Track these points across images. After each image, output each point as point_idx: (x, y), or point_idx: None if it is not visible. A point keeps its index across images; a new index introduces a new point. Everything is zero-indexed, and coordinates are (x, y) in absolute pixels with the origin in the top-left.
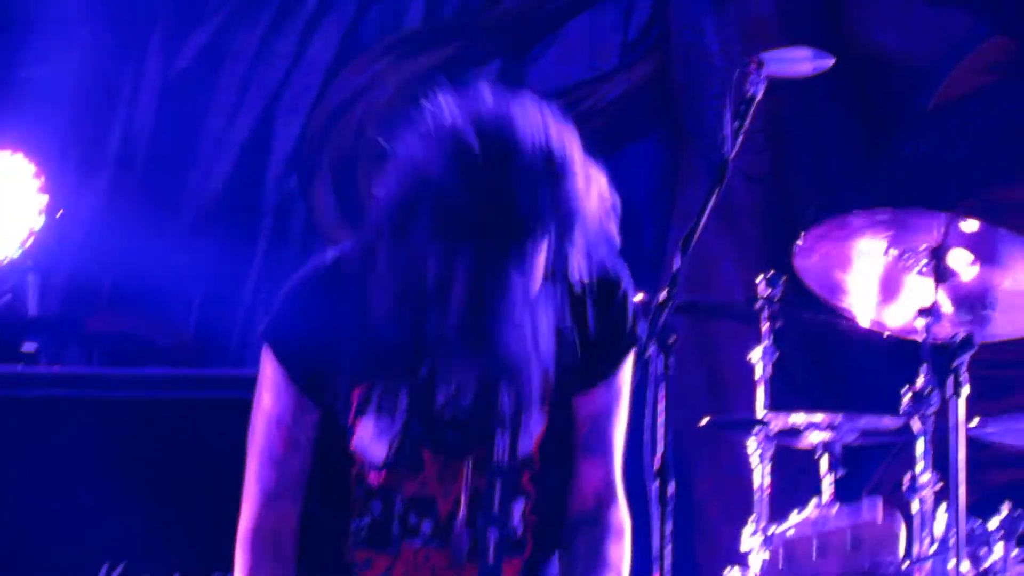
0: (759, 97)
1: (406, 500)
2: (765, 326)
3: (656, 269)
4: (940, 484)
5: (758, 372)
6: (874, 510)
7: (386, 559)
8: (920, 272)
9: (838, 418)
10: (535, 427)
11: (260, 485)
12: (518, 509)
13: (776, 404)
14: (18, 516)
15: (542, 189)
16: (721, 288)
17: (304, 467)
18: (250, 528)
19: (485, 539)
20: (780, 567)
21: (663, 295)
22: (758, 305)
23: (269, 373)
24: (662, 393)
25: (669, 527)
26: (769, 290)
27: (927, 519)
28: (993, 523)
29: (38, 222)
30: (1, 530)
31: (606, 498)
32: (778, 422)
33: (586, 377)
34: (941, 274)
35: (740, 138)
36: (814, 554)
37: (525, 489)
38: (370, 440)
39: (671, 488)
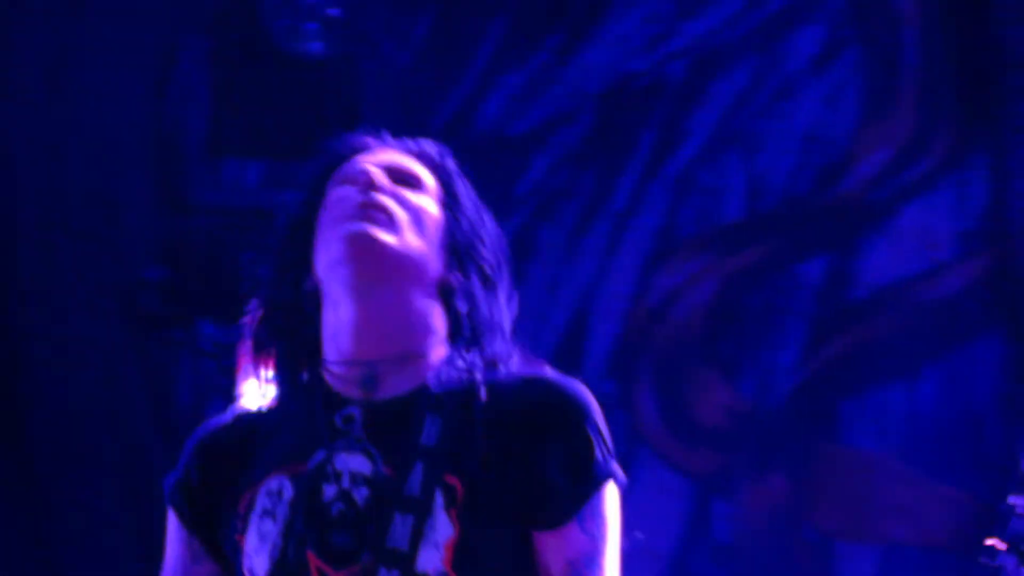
0: None
1: None
2: None
3: (1002, 473)
4: None
5: None
6: None
7: None
8: None
9: None
10: (441, 533)
11: None
12: None
13: None
14: None
15: None
16: None
17: None
18: None
19: None
20: None
21: (1014, 501)
22: None
23: (168, 527)
24: None
25: None
26: None
27: None
28: None
29: None
30: None
31: None
32: None
33: (540, 508)
34: None
35: None
36: None
37: None
38: (254, 551)
39: None
